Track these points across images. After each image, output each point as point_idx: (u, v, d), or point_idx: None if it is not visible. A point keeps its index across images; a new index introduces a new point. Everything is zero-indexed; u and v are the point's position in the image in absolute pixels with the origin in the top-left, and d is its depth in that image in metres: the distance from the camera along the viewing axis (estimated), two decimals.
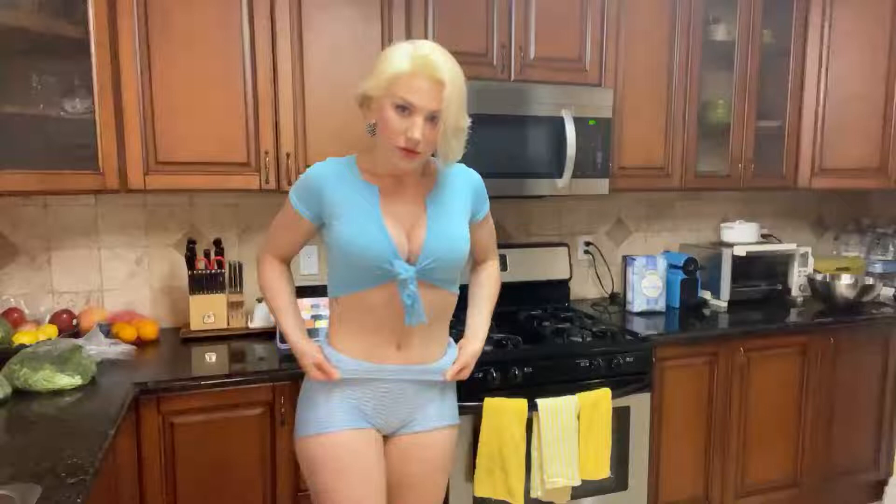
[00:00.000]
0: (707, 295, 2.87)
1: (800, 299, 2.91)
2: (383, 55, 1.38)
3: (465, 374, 1.59)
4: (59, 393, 1.67)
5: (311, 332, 1.94)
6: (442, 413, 1.59)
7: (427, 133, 1.35)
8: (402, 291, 1.42)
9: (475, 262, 1.70)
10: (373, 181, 1.47)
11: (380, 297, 1.44)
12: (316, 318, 2.12)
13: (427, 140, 1.36)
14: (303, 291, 2.07)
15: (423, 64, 1.32)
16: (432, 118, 1.35)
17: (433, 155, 1.46)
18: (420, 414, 1.56)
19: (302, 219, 1.50)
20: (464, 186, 1.53)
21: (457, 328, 1.65)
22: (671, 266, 2.76)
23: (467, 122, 1.43)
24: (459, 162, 1.53)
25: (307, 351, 1.51)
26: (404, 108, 1.34)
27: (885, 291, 2.91)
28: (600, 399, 2.09)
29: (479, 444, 1.99)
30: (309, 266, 2.48)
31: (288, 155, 2.10)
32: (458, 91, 1.36)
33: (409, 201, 1.47)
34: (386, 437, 1.57)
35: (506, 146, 2.27)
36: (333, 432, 1.49)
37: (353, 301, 1.47)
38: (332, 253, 1.48)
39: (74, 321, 2.15)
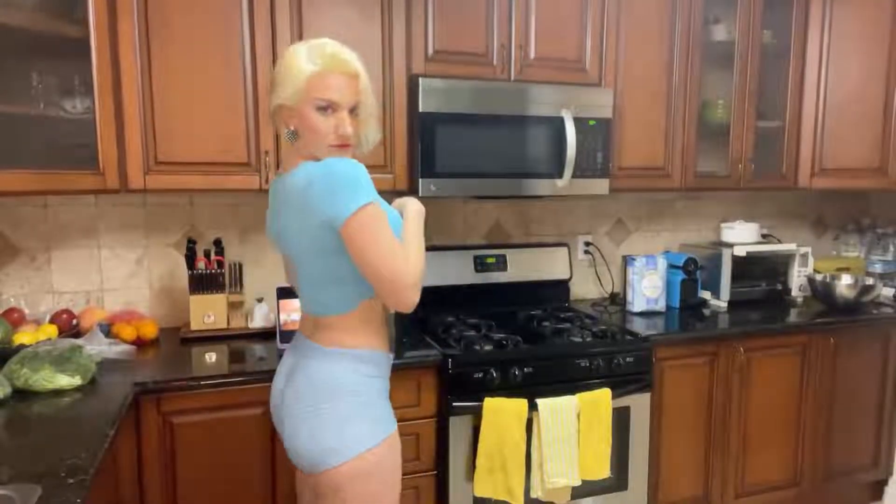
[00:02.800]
0: (707, 295, 2.87)
1: (800, 299, 2.91)
2: (286, 64, 1.38)
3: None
4: (59, 393, 1.67)
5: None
6: None
7: (353, 125, 1.39)
8: None
9: None
10: None
11: None
12: None
13: (355, 131, 1.41)
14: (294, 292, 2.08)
15: (333, 61, 1.35)
16: (352, 110, 1.39)
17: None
18: None
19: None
20: None
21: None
22: (671, 266, 2.76)
23: (379, 106, 1.48)
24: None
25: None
26: (326, 108, 1.36)
27: (885, 291, 2.91)
28: (600, 399, 2.09)
29: (479, 444, 1.99)
30: None
31: None
32: (367, 79, 1.42)
33: None
34: None
35: (506, 146, 2.27)
36: (395, 430, 1.46)
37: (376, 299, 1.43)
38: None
39: (74, 321, 2.15)
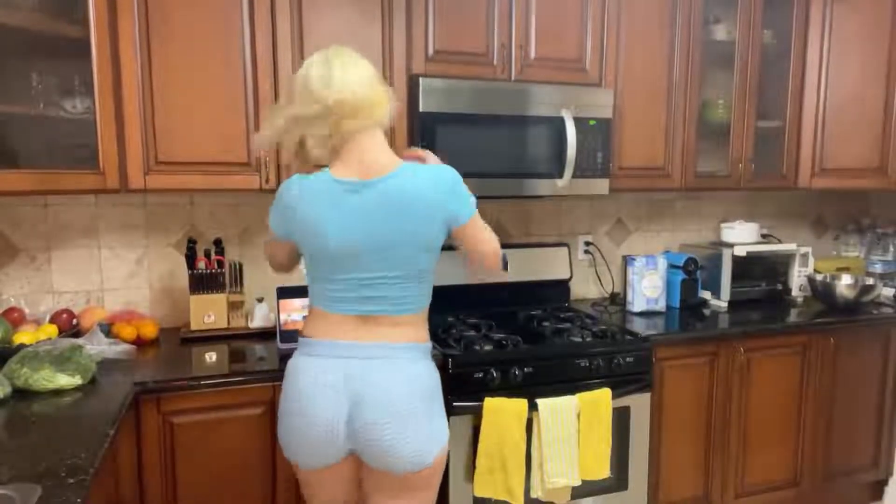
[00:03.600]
0: (707, 295, 2.87)
1: (800, 299, 2.91)
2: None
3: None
4: (59, 393, 1.67)
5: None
6: None
7: None
8: None
9: None
10: None
11: None
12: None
13: None
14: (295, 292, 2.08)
15: None
16: None
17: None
18: None
19: None
20: None
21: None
22: (671, 266, 2.76)
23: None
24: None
25: None
26: None
27: (885, 291, 2.91)
28: (600, 399, 2.09)
29: (479, 444, 1.99)
30: None
31: None
32: None
33: None
34: None
35: (506, 146, 2.27)
36: None
37: None
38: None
39: (74, 321, 2.15)
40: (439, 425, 1.51)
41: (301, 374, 1.48)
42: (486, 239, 1.59)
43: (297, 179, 1.50)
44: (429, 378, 1.51)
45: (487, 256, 1.59)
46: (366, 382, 1.44)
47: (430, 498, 1.55)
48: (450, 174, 1.49)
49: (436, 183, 1.46)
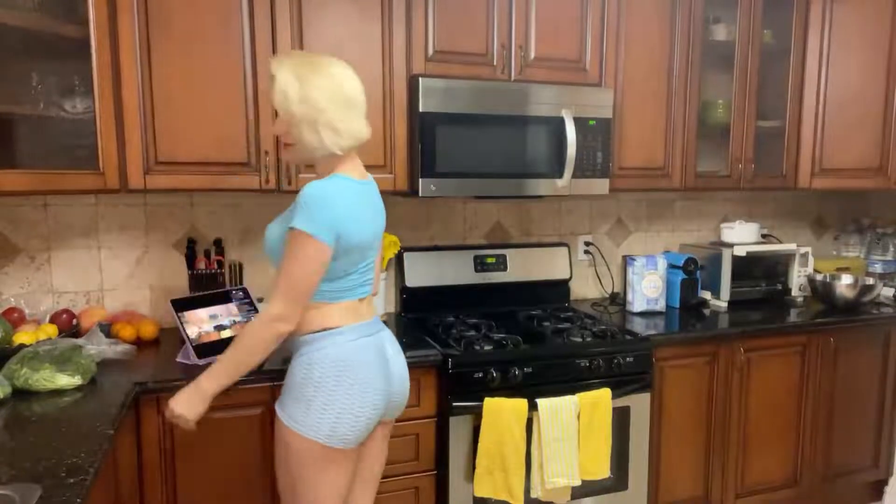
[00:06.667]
0: (707, 295, 2.87)
1: (800, 299, 2.91)
2: None
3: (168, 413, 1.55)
4: (59, 393, 1.67)
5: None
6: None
7: (278, 125, 1.56)
8: None
9: None
10: None
11: None
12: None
13: (280, 131, 1.57)
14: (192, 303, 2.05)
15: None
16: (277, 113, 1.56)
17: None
18: None
19: None
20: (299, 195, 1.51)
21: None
22: (671, 266, 2.76)
23: (316, 112, 1.50)
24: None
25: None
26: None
27: (885, 291, 2.91)
28: (600, 399, 2.09)
29: (479, 444, 1.99)
30: None
31: None
32: (284, 83, 1.49)
33: None
34: None
35: (506, 146, 2.27)
36: None
37: None
38: None
39: (74, 321, 2.15)
40: None
41: (362, 354, 1.58)
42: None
43: (340, 180, 1.54)
44: None
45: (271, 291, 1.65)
46: (388, 350, 1.66)
47: None
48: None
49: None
